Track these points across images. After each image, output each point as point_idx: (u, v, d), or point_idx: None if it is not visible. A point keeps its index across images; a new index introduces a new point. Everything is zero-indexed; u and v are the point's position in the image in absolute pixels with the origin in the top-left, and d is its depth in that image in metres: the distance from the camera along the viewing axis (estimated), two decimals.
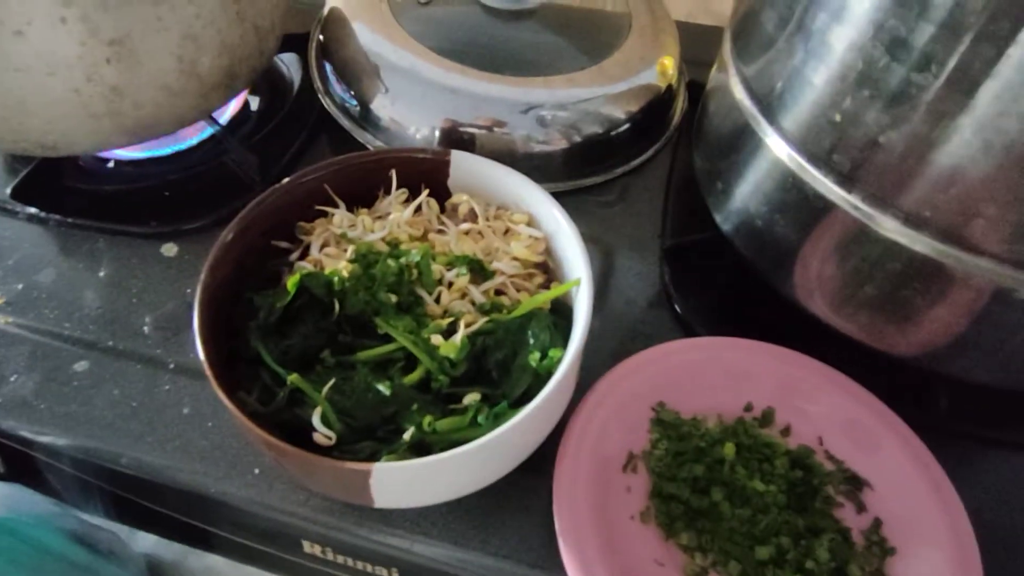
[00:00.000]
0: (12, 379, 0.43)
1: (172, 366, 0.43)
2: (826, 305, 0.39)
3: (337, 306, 0.35)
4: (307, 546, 0.42)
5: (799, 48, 0.34)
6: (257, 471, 0.39)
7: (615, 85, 0.52)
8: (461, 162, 0.40)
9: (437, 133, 0.51)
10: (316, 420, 0.32)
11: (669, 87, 0.55)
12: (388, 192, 0.41)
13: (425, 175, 0.41)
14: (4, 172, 0.53)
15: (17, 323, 0.45)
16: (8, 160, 0.53)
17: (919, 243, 0.33)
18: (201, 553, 0.53)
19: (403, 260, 0.37)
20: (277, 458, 0.32)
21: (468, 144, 0.50)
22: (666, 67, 0.54)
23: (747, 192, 0.41)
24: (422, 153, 0.41)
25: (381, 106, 0.52)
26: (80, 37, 0.41)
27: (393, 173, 0.40)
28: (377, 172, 0.41)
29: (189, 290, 0.47)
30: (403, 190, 0.41)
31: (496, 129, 0.50)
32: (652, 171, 0.55)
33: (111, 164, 0.54)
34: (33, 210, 0.50)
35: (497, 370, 0.35)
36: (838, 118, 0.33)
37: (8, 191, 0.49)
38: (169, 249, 0.49)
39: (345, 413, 0.32)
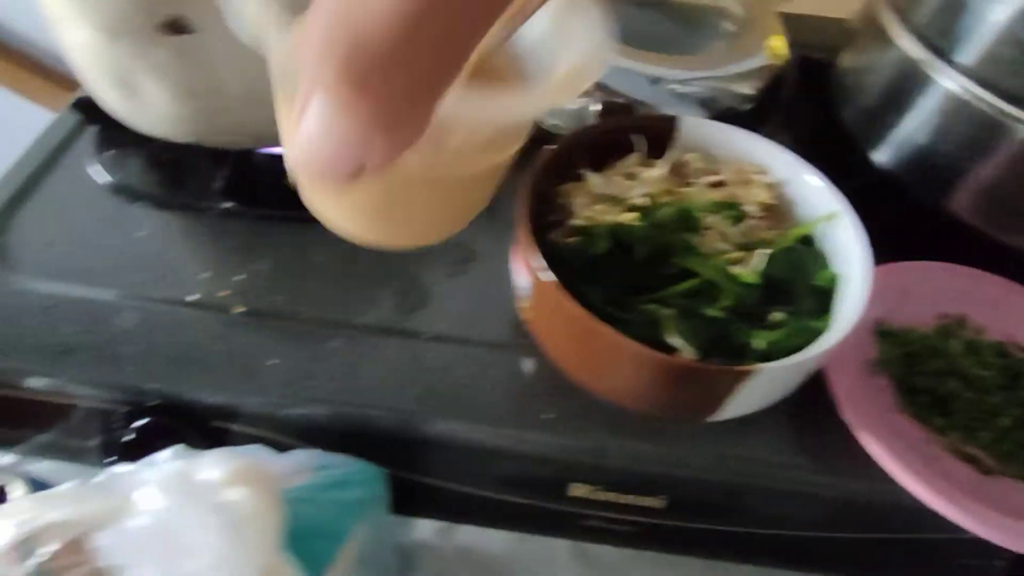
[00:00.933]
0: (269, 363, 0.44)
1: (428, 336, 0.45)
2: (996, 221, 0.47)
3: (637, 250, 0.40)
4: (572, 489, 0.45)
5: None
6: (553, 415, 0.42)
7: (745, 63, 0.59)
8: (688, 126, 0.46)
9: (598, 107, 0.56)
10: (677, 340, 0.36)
11: (785, 64, 0.62)
12: (620, 157, 0.46)
13: (651, 138, 0.46)
14: (148, 167, 0.53)
15: (252, 311, 0.46)
16: (145, 153, 0.53)
17: None
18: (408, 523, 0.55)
19: (676, 208, 0.41)
20: (636, 373, 0.36)
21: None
22: (777, 48, 0.62)
23: (915, 128, 0.49)
24: (651, 120, 0.46)
25: None
26: None
27: (642, 137, 0.45)
28: (613, 138, 0.46)
29: (411, 268, 0.49)
30: (635, 153, 0.46)
31: (646, 102, 0.56)
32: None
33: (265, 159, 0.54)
34: (229, 205, 0.51)
35: (785, 292, 0.40)
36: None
37: (219, 186, 0.49)
38: None
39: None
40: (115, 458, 0.44)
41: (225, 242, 0.50)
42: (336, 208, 0.27)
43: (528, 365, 0.44)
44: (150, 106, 0.45)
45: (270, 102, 0.45)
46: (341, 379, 0.43)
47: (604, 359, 0.36)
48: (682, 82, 0.57)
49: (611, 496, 0.45)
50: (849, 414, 0.40)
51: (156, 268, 0.48)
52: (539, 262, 0.37)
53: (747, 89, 0.60)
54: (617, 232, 0.40)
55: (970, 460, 0.41)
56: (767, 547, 0.47)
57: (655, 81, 0.57)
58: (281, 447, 0.46)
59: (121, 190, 0.52)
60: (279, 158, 0.54)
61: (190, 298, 0.46)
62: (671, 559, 0.50)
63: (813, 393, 0.42)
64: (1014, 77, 0.43)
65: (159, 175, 0.53)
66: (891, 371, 0.44)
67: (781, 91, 0.64)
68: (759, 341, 0.36)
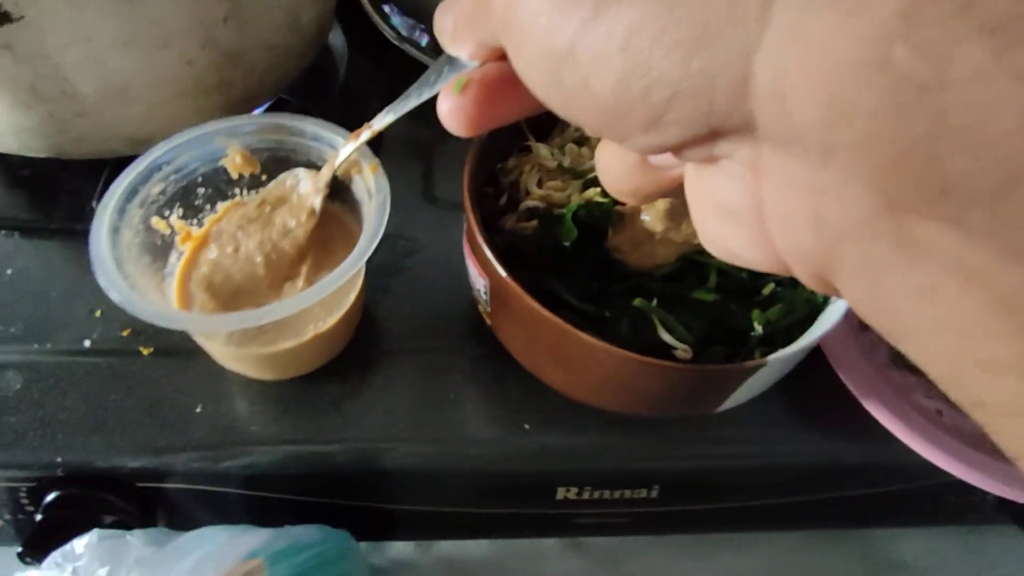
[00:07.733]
0: (198, 410, 0.37)
1: (379, 351, 0.40)
2: None
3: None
4: (560, 493, 0.42)
5: None
6: (527, 427, 0.38)
7: None
8: None
9: None
10: (669, 338, 0.31)
11: None
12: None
13: None
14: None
15: (164, 349, 0.39)
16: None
17: None
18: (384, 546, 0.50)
19: None
20: (627, 380, 0.31)
21: None
22: None
23: None
24: None
25: None
26: None
27: None
28: None
29: None
30: None
31: None
32: None
33: None
34: None
35: None
36: None
37: (98, 200, 0.41)
38: None
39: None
40: (29, 549, 0.37)
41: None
42: (231, 363, 0.38)
43: (496, 372, 0.39)
44: None
45: (137, 94, 0.37)
46: (284, 416, 0.37)
47: (585, 367, 0.31)
48: None
49: (602, 494, 0.42)
50: (846, 377, 0.37)
51: (37, 312, 0.40)
52: (493, 258, 0.31)
53: None
54: (584, 214, 0.34)
55: None
56: (761, 515, 0.45)
57: None
58: (221, 499, 0.40)
59: None
60: None
61: (85, 344, 0.39)
62: (666, 538, 0.48)
63: (809, 359, 0.39)
64: None
65: (20, 195, 0.44)
66: None
67: None
68: (757, 323, 0.32)
